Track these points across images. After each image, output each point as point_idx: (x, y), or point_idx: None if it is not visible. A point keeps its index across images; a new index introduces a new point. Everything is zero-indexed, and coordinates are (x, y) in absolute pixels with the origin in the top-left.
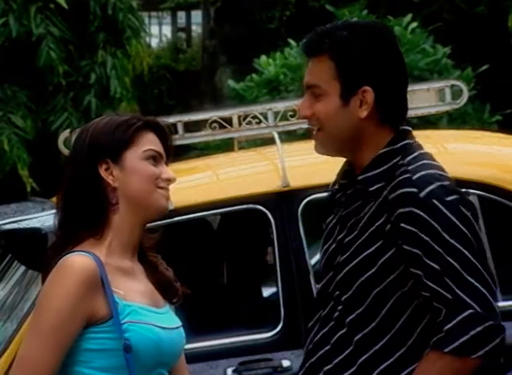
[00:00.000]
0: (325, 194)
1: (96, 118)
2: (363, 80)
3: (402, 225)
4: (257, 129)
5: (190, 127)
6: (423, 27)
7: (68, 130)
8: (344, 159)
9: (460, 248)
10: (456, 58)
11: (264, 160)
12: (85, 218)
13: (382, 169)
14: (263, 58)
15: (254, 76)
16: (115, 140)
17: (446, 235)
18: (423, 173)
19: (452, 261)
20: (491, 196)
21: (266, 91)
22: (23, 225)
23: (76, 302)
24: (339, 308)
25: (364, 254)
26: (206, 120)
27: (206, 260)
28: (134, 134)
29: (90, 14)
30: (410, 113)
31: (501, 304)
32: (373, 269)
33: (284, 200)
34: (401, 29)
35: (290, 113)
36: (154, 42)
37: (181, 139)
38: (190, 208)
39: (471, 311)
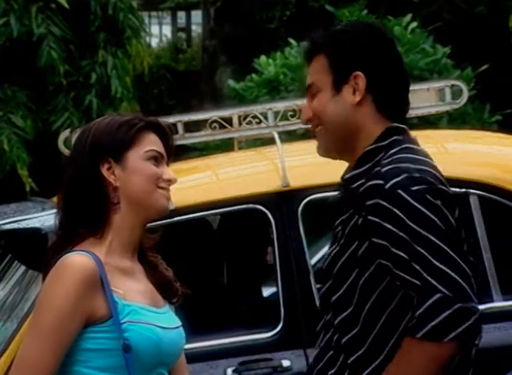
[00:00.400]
0: (325, 194)
1: (97, 118)
2: (353, 66)
3: (369, 217)
4: (257, 129)
5: (190, 127)
6: (423, 27)
7: (68, 130)
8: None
9: (427, 234)
10: (456, 58)
11: (264, 160)
12: (86, 217)
13: (365, 167)
14: (263, 58)
15: (254, 76)
16: (118, 140)
17: (411, 223)
18: (393, 165)
19: (419, 248)
20: (491, 196)
21: (266, 90)
22: (23, 225)
23: (75, 302)
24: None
25: (347, 253)
26: (206, 120)
27: (206, 260)
28: (136, 135)
29: (91, 14)
30: (410, 113)
31: (501, 304)
32: (357, 269)
33: (284, 200)
34: (401, 29)
35: (290, 113)
36: (154, 42)
37: (181, 139)
38: (190, 208)
39: (439, 295)
